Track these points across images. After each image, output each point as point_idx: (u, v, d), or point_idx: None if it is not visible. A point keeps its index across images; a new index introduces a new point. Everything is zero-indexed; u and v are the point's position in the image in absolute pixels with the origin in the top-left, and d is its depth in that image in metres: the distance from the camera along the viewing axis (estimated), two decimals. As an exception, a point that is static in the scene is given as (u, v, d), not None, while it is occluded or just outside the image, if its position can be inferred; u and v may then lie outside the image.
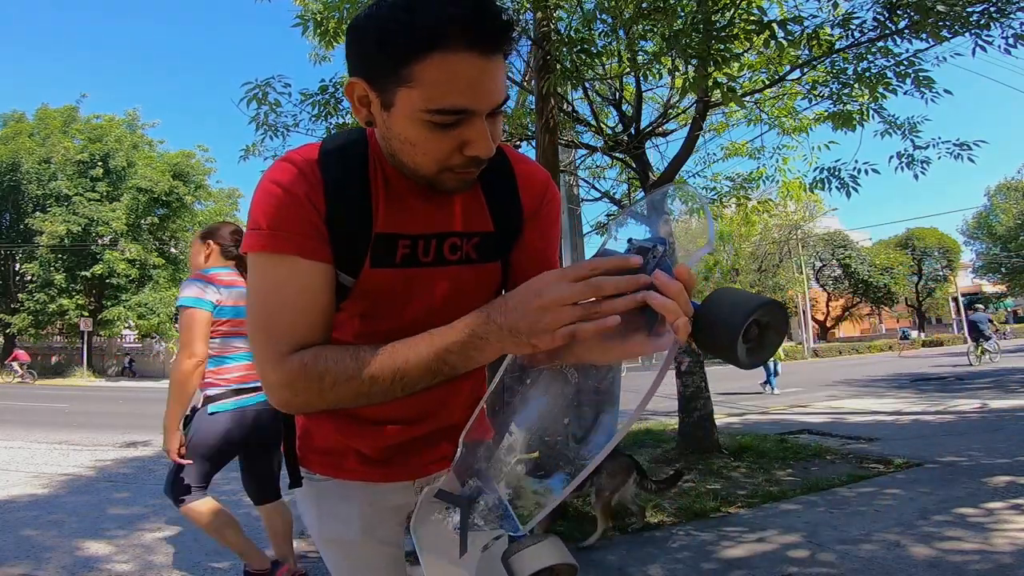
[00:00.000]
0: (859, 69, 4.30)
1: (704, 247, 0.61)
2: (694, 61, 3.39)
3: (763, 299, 0.55)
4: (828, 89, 4.65)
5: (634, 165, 5.23)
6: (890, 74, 4.21)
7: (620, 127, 5.31)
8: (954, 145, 4.50)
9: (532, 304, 0.60)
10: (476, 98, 0.65)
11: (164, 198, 20.64)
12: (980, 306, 11.60)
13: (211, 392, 2.32)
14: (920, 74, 4.08)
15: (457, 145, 0.68)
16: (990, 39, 3.83)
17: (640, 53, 4.50)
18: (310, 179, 0.74)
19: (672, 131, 5.80)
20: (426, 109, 0.64)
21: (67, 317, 20.32)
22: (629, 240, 0.65)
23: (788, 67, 4.65)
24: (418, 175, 0.73)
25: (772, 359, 10.48)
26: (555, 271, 0.62)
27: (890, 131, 4.82)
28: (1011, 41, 3.89)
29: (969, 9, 3.75)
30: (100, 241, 20.46)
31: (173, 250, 22.31)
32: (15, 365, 18.76)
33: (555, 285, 0.60)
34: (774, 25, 3.37)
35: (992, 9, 3.77)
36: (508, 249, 0.86)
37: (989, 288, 38.61)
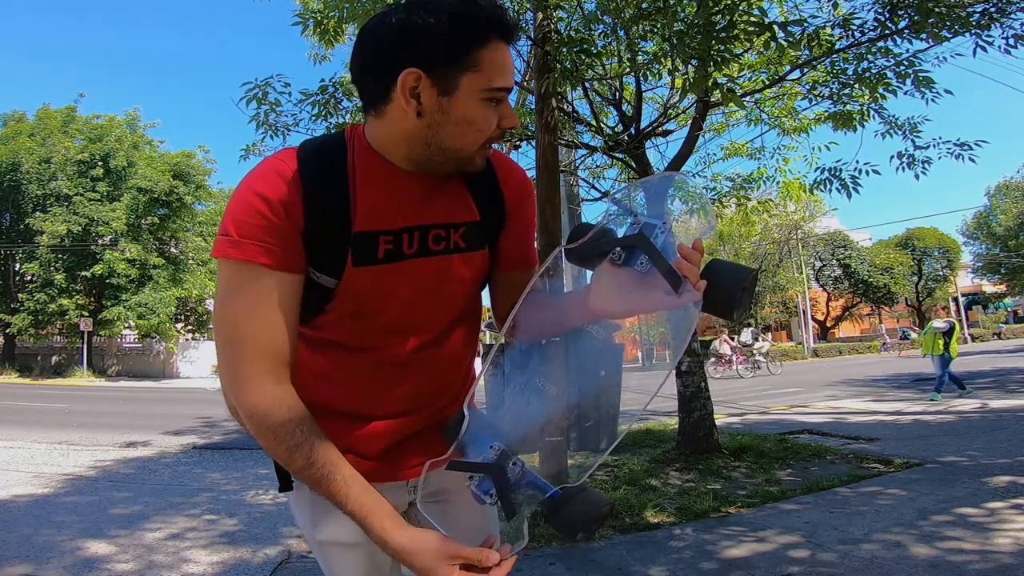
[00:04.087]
0: (859, 69, 4.30)
1: (707, 228, 0.75)
2: (694, 61, 3.39)
3: (751, 270, 0.71)
4: (828, 89, 4.65)
5: (634, 165, 5.23)
6: (890, 74, 4.21)
7: (620, 127, 5.30)
8: (955, 145, 4.49)
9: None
10: (511, 79, 0.78)
11: (164, 198, 20.58)
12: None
13: None
14: (920, 74, 4.07)
15: (498, 120, 0.78)
16: (990, 39, 3.83)
17: (640, 53, 4.49)
18: (288, 184, 0.76)
19: (672, 131, 5.79)
20: (490, 88, 0.75)
21: (67, 317, 20.26)
22: (634, 216, 0.74)
23: (788, 67, 4.64)
24: (459, 156, 0.79)
25: (944, 354, 8.15)
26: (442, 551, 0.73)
27: (891, 131, 4.82)
28: (1011, 41, 3.89)
29: (969, 9, 3.74)
30: (100, 241, 20.42)
31: (173, 250, 22.26)
32: None
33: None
34: (775, 26, 3.36)
35: (992, 9, 3.77)
36: (495, 237, 0.91)
37: (989, 288, 38.58)
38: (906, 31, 3.95)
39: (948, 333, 8.14)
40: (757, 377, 15.49)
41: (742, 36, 3.52)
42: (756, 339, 17.96)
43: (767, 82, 4.98)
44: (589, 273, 0.80)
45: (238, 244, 0.74)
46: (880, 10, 4.00)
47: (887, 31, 4.00)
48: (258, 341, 0.76)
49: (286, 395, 0.77)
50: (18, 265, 21.54)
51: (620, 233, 0.75)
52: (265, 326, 0.76)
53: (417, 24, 0.71)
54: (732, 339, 17.94)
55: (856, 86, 4.41)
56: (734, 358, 16.38)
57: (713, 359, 16.64)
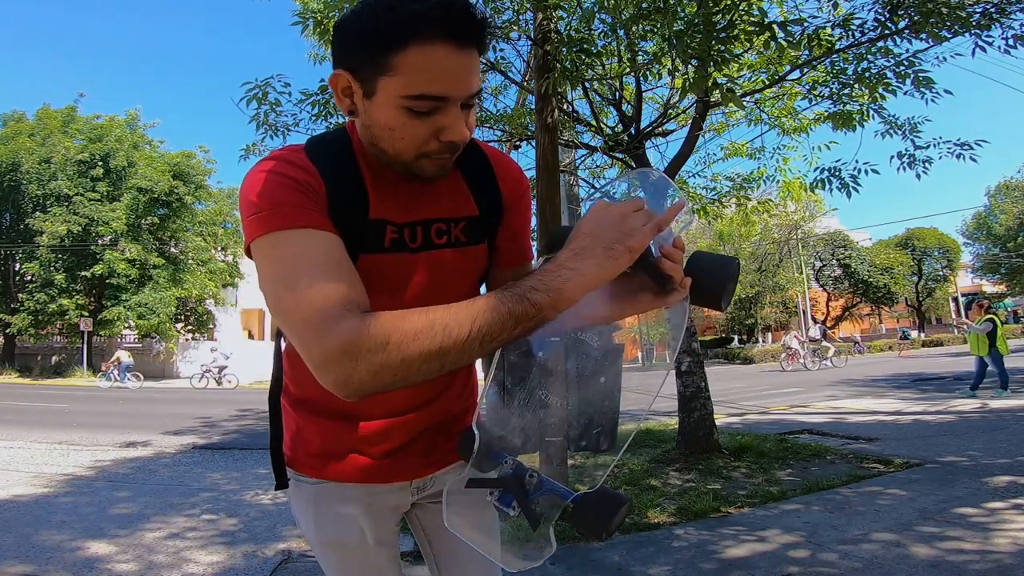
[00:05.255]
0: (859, 69, 4.30)
1: (684, 224, 0.76)
2: (694, 61, 3.39)
3: (734, 260, 0.72)
4: (828, 89, 4.65)
5: (634, 165, 5.22)
6: (890, 74, 4.21)
7: (620, 127, 5.31)
8: (955, 145, 4.49)
9: (610, 217, 0.66)
10: (451, 86, 0.69)
11: (164, 198, 20.60)
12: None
13: None
14: (920, 74, 4.07)
15: (433, 131, 0.72)
16: (990, 39, 3.83)
17: (640, 53, 4.49)
18: (305, 168, 0.76)
19: (672, 131, 5.79)
20: (405, 95, 0.69)
21: (67, 317, 20.27)
22: None
23: (788, 67, 4.65)
24: (398, 161, 0.76)
25: (993, 352, 7.99)
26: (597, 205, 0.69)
27: (891, 131, 4.82)
28: (1011, 41, 3.89)
29: (969, 9, 3.74)
30: (100, 241, 20.44)
31: (173, 250, 22.28)
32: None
33: (615, 204, 0.68)
34: (775, 26, 3.36)
35: (992, 9, 3.77)
36: (493, 232, 0.91)
37: (989, 288, 38.58)
38: (906, 31, 3.95)
39: (991, 332, 8.05)
40: (822, 370, 17.10)
41: (742, 36, 3.52)
42: (824, 335, 19.95)
43: (767, 82, 4.98)
44: None
45: (274, 214, 0.69)
46: (880, 10, 4.00)
47: (887, 31, 4.00)
48: (330, 287, 0.64)
49: (365, 313, 0.63)
50: (18, 265, 21.55)
51: None
52: (332, 274, 0.66)
53: (346, 26, 0.72)
54: (801, 336, 20.57)
55: (856, 86, 4.41)
56: (802, 351, 18.33)
57: (784, 354, 18.98)
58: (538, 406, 0.79)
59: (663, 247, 0.71)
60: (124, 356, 18.16)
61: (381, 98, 0.71)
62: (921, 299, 36.63)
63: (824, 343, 19.11)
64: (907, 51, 4.25)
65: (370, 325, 0.60)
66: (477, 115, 5.85)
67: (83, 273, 20.00)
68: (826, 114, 5.06)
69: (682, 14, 3.69)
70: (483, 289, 1.00)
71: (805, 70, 4.61)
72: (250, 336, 29.03)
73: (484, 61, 4.75)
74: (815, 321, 25.07)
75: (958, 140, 4.48)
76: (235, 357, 18.85)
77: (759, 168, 6.22)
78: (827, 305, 34.87)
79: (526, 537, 0.76)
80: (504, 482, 0.74)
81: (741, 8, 3.57)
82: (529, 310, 0.61)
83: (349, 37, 0.71)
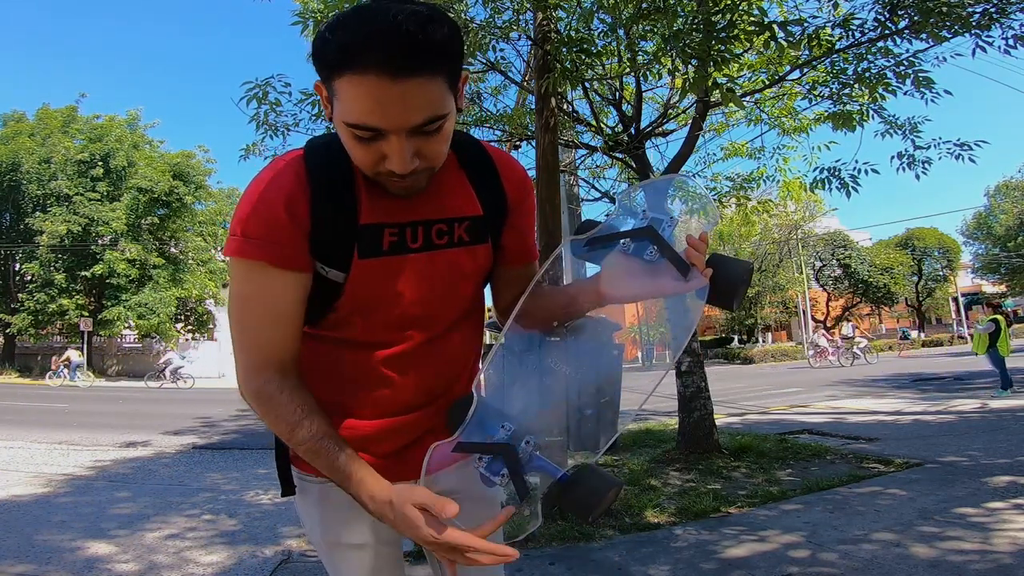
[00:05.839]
0: (859, 69, 4.30)
1: (710, 223, 0.80)
2: (694, 61, 3.39)
3: (749, 263, 0.76)
4: (828, 89, 4.65)
5: (634, 165, 5.22)
6: (890, 74, 4.20)
7: (620, 127, 5.30)
8: (955, 145, 4.48)
9: (418, 535, 0.72)
10: (384, 118, 0.68)
11: (164, 198, 20.61)
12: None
13: None
14: (920, 74, 4.07)
15: (378, 157, 0.73)
16: (990, 39, 3.83)
17: (640, 53, 4.49)
18: (295, 181, 0.77)
19: (672, 131, 5.79)
20: (343, 122, 0.70)
21: (67, 317, 20.29)
22: (643, 211, 0.79)
23: (788, 67, 4.64)
24: (365, 173, 0.78)
25: (991, 351, 8.04)
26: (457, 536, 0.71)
27: (891, 131, 4.81)
28: (1011, 41, 3.89)
29: (969, 9, 3.74)
30: (100, 241, 20.45)
31: (173, 250, 22.29)
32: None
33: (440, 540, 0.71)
34: (775, 26, 3.36)
35: (992, 9, 3.77)
36: (498, 232, 0.92)
37: (989, 288, 38.54)
38: (906, 31, 3.95)
39: (994, 333, 8.06)
40: (855, 366, 17.28)
41: (742, 36, 3.52)
42: (855, 333, 20.51)
43: (767, 82, 4.98)
44: (589, 267, 0.84)
45: (244, 244, 0.76)
46: (880, 10, 4.00)
47: (887, 31, 4.00)
48: (261, 334, 0.80)
49: (288, 380, 0.80)
50: (18, 265, 21.56)
51: (628, 227, 0.79)
52: (268, 321, 0.79)
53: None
54: (831, 333, 21.40)
55: (856, 86, 4.41)
56: (830, 349, 18.81)
57: (812, 351, 19.33)
58: (544, 382, 0.80)
59: (689, 239, 0.74)
60: (75, 355, 18.35)
61: (336, 116, 0.72)
62: (921, 299, 36.60)
63: (857, 339, 19.50)
64: (907, 51, 4.25)
65: (263, 398, 0.80)
66: (478, 115, 5.78)
67: (83, 273, 20.01)
68: (826, 114, 5.06)
69: (682, 14, 3.69)
70: (487, 289, 1.00)
71: (805, 70, 4.61)
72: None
73: (484, 61, 4.75)
74: (816, 321, 25.47)
75: (958, 140, 4.48)
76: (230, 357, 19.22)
77: (759, 168, 6.21)
78: (827, 305, 34.84)
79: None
80: (497, 447, 0.73)
81: (741, 8, 3.56)
82: (342, 484, 0.79)
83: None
